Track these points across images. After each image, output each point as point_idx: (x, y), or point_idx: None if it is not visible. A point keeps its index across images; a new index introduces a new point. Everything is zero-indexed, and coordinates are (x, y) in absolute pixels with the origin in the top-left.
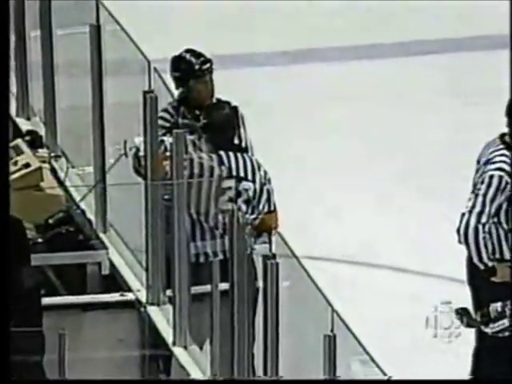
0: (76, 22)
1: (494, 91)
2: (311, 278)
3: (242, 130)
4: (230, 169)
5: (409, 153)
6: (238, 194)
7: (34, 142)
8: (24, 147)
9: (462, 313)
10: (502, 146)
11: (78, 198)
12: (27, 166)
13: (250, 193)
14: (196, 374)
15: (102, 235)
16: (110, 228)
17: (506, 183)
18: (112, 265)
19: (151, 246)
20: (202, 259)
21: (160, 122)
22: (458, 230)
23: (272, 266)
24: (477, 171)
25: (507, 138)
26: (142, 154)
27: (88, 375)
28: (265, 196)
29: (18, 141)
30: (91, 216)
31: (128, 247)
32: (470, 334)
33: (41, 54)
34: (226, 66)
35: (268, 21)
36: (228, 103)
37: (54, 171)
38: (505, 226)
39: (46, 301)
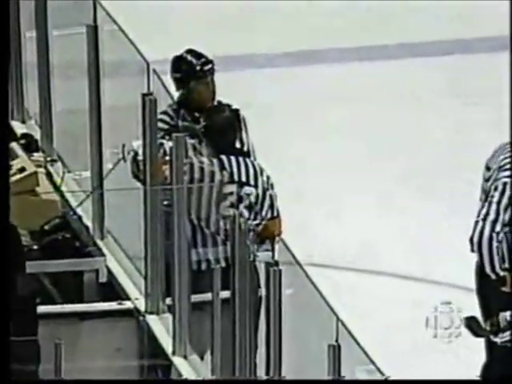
0: (73, 22)
1: (494, 91)
2: (315, 286)
3: (243, 134)
4: (231, 173)
5: (409, 154)
6: (240, 199)
7: (30, 145)
8: (19, 151)
9: (471, 322)
10: None
11: (74, 203)
12: (22, 170)
13: (252, 198)
14: None
15: (99, 242)
16: (107, 234)
17: None
18: (110, 272)
19: (150, 253)
20: (203, 266)
21: (159, 124)
22: (472, 239)
23: (275, 274)
24: (487, 178)
25: None
26: (140, 158)
27: None
28: (267, 201)
29: (13, 144)
30: (88, 222)
31: (126, 254)
32: (470, 334)
33: (36, 55)
34: (226, 67)
35: (268, 21)
36: (229, 106)
37: (49, 176)
38: None
39: (41, 309)
